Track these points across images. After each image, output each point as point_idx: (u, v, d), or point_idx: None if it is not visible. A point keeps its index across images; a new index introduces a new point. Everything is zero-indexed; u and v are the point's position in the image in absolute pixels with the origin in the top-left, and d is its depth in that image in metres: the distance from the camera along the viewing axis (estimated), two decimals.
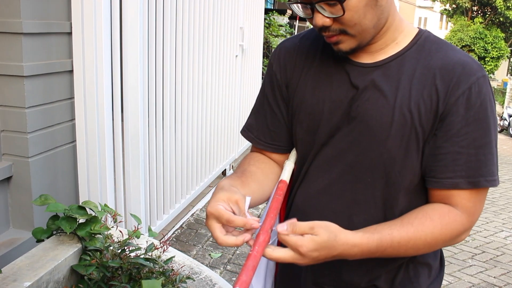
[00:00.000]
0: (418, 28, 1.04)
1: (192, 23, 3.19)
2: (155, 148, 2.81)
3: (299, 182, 1.10)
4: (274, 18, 8.40)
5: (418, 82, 0.96)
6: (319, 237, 0.84)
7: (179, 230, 3.37)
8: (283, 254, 0.84)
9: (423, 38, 1.01)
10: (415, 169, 0.99)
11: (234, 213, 0.86)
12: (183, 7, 3.02)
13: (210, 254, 3.10)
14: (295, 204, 1.10)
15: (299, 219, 0.85)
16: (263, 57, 6.36)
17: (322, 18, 0.91)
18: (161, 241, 1.51)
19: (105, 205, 1.98)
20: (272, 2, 11.56)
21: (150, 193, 2.80)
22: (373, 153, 0.99)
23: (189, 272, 1.55)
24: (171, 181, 3.11)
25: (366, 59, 1.01)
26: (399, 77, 0.97)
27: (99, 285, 1.34)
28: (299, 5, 0.94)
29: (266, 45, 7.63)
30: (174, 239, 3.23)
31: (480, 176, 0.94)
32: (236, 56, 4.44)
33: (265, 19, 7.13)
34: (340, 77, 1.02)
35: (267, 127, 1.13)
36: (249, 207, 0.93)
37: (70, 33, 2.27)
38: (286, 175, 1.06)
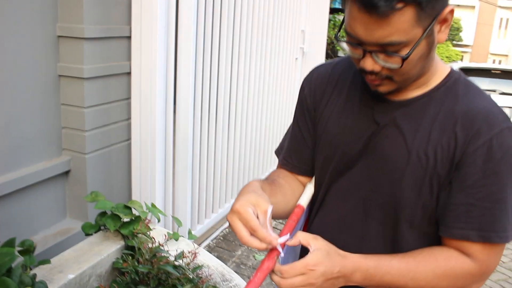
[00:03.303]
0: (450, 67, 1.01)
1: (250, 27, 3.23)
2: (206, 151, 2.87)
3: (317, 209, 1.11)
4: (339, 20, 8.28)
5: (439, 126, 0.93)
6: (321, 253, 0.86)
7: (227, 229, 3.43)
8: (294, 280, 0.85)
9: (452, 80, 0.97)
10: (428, 213, 0.96)
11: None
12: (242, 10, 3.06)
13: (254, 256, 3.14)
14: (312, 230, 1.11)
15: None
16: (326, 58, 6.31)
17: (373, 64, 0.88)
18: (191, 250, 1.56)
19: (153, 204, 2.07)
20: (341, 1, 11.38)
21: (200, 194, 2.88)
22: (386, 191, 0.98)
23: (220, 279, 1.59)
24: (221, 183, 3.18)
25: (393, 96, 0.99)
26: (421, 118, 0.95)
27: (129, 286, 1.42)
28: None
29: (331, 46, 7.55)
30: (221, 238, 3.30)
31: (493, 231, 0.91)
32: (296, 59, 4.44)
33: (330, 20, 7.05)
34: (364, 110, 1.01)
35: (295, 149, 1.15)
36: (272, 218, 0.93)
37: (129, 37, 2.38)
38: (304, 200, 1.06)
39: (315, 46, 5.05)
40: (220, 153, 3.08)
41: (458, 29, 26.50)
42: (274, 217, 1.00)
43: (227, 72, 3.01)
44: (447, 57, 24.42)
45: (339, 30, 0.92)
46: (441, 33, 0.88)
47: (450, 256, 0.93)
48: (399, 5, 0.79)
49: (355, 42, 0.88)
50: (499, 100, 6.90)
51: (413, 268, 0.91)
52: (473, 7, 29.08)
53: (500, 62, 26.82)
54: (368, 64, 0.88)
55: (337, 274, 0.87)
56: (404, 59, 0.84)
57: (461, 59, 25.47)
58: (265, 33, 3.52)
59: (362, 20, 0.83)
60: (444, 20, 0.87)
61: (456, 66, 7.84)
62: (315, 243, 0.88)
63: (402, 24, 0.81)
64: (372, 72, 0.90)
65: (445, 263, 0.92)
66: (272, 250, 0.87)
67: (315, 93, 1.10)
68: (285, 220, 1.02)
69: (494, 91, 7.33)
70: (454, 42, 26.45)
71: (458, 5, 27.41)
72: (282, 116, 4.27)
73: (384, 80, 0.92)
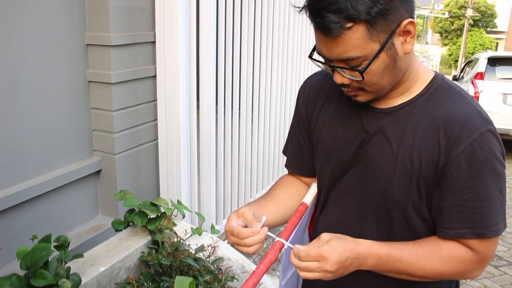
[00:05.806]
0: (434, 72, 1.06)
1: (270, 28, 3.31)
2: (230, 149, 2.98)
3: (321, 209, 1.19)
4: None
5: (423, 132, 0.99)
6: (334, 241, 0.94)
7: None
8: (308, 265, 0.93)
9: (435, 86, 1.02)
10: (419, 214, 1.03)
11: (245, 226, 1.01)
12: (262, 12, 3.14)
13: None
14: (316, 230, 1.19)
15: None
16: None
17: (342, 77, 0.97)
18: (211, 244, 1.66)
19: (178, 201, 2.19)
20: None
21: (224, 189, 2.98)
22: (377, 196, 1.05)
23: (240, 271, 1.69)
24: (245, 179, 3.28)
25: (380, 104, 1.05)
26: (406, 125, 1.01)
27: (154, 278, 1.53)
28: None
29: None
30: None
31: (485, 227, 0.97)
32: None
33: None
34: (354, 119, 1.08)
35: (295, 154, 1.24)
36: (270, 227, 1.03)
37: (154, 42, 2.50)
38: (308, 198, 1.15)
39: None
40: (244, 150, 3.18)
41: (493, 15, 25.72)
42: (273, 225, 1.12)
43: (249, 71, 3.09)
44: (480, 44, 23.76)
45: (312, 51, 1.00)
46: (406, 44, 0.94)
47: (454, 246, 0.99)
48: (349, 25, 0.88)
49: (324, 60, 0.97)
50: None
51: (422, 257, 0.98)
52: None
53: None
54: (338, 78, 0.98)
55: (350, 260, 0.94)
56: (361, 72, 0.92)
57: (496, 46, 24.73)
58: (286, 34, 3.59)
59: (322, 41, 0.93)
60: (407, 32, 0.93)
61: (486, 55, 7.60)
62: (326, 237, 0.95)
63: (355, 41, 0.89)
64: (344, 85, 0.99)
65: (448, 253, 0.99)
66: (275, 244, 0.96)
67: (308, 103, 1.18)
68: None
69: None
70: (488, 29, 25.70)
71: None
72: None
73: (358, 91, 1.00)
